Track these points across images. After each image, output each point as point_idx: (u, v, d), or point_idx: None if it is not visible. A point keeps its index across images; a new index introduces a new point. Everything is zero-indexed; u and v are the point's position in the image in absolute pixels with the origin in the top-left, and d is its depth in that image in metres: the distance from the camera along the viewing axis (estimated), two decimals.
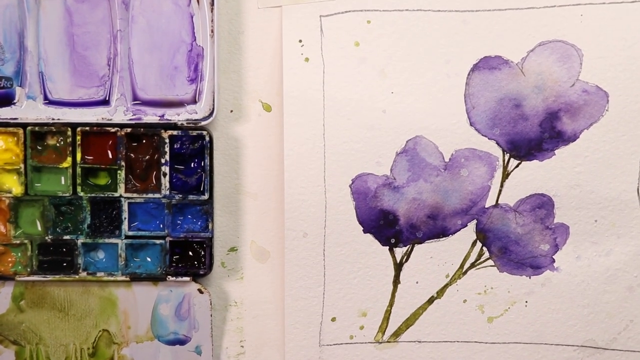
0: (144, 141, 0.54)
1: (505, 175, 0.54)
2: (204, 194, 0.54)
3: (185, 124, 0.53)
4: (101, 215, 0.54)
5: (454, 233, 0.55)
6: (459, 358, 0.56)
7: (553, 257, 0.55)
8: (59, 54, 0.52)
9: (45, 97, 0.53)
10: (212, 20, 0.52)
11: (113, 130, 0.53)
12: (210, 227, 0.54)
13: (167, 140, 0.53)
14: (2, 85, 0.52)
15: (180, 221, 0.54)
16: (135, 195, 0.54)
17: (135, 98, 0.53)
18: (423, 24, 0.53)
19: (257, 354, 0.57)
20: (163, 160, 0.53)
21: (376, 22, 0.53)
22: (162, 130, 0.53)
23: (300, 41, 0.53)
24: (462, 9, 0.53)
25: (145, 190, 0.54)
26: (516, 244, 0.55)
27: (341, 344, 0.56)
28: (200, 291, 0.55)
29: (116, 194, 0.54)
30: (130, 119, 0.53)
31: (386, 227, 0.55)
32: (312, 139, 0.53)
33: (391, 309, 0.56)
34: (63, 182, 0.54)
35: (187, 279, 0.54)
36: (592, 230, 0.55)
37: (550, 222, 0.55)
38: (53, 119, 0.52)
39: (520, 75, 0.53)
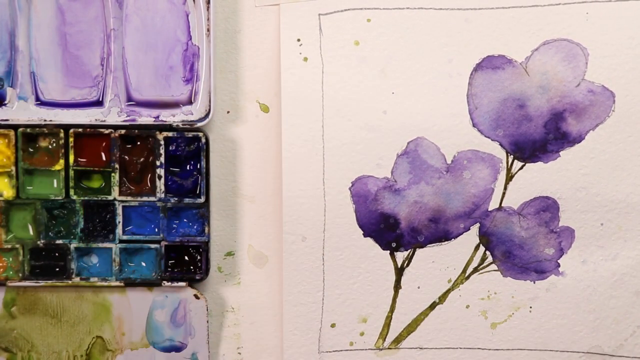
0: (139, 143, 0.53)
1: (509, 177, 0.54)
2: (200, 197, 0.53)
3: (181, 126, 0.53)
4: (95, 219, 0.53)
5: (457, 237, 0.54)
6: None
7: (558, 261, 0.55)
8: (51, 54, 0.52)
9: (37, 98, 0.52)
10: (208, 19, 0.52)
11: (107, 131, 0.52)
12: (206, 231, 0.53)
13: (162, 142, 0.53)
14: None
15: (176, 225, 0.54)
16: (129, 198, 0.53)
17: (129, 99, 0.53)
18: (424, 22, 0.52)
19: None
20: (158, 163, 0.53)
21: (376, 20, 0.52)
22: (157, 132, 0.53)
23: (298, 40, 0.52)
24: (465, 7, 0.52)
25: (139, 194, 0.53)
26: (520, 248, 0.55)
27: (341, 350, 0.56)
28: (197, 297, 0.54)
29: (110, 197, 0.53)
30: (125, 120, 0.52)
31: (387, 230, 0.54)
32: (311, 141, 0.53)
33: (392, 314, 0.55)
34: (55, 185, 0.53)
35: (183, 284, 0.54)
36: (598, 234, 0.54)
37: (555, 225, 0.54)
38: (45, 121, 0.52)
39: (525, 75, 0.53)
